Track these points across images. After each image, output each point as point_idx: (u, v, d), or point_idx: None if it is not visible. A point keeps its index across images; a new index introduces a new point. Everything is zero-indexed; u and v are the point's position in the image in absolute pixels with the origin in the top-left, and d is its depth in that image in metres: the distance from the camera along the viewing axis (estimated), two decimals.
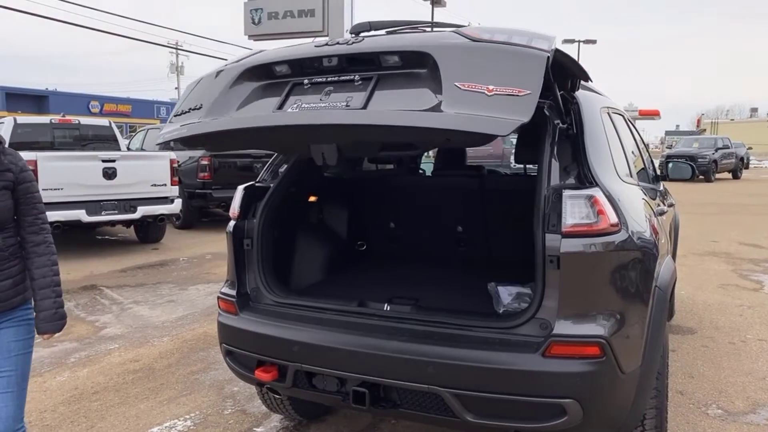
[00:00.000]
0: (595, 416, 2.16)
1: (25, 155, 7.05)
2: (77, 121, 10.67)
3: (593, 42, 36.95)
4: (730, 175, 25.91)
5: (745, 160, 28.58)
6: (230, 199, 3.07)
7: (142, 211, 8.43)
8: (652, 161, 4.39)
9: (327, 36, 11.16)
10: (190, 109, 2.46)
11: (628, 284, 2.28)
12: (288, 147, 2.97)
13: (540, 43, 1.98)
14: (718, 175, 24.37)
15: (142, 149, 11.59)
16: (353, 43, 2.27)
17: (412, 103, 2.01)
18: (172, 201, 8.80)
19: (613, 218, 2.20)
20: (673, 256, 4.12)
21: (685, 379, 4.01)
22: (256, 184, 3.09)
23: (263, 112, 2.27)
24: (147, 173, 8.57)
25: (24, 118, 10.95)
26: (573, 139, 2.44)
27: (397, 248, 4.04)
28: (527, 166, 3.69)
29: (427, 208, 3.87)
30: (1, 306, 2.19)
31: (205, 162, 10.29)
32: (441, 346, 2.28)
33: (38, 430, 3.34)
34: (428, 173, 4.59)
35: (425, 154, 5.74)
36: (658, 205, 3.42)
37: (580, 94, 2.67)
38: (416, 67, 2.11)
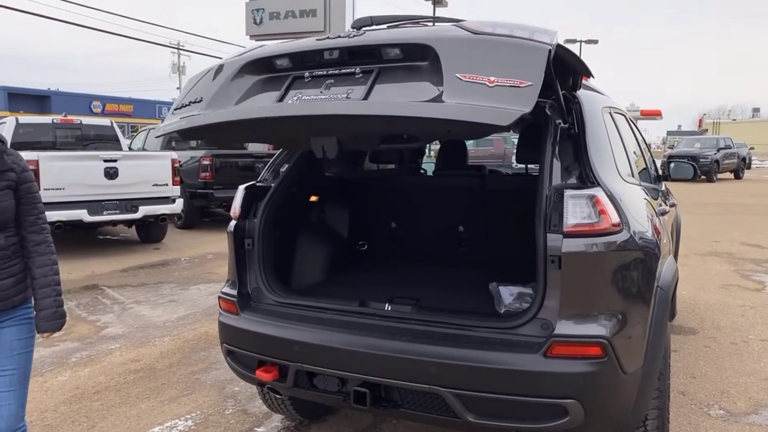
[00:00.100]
0: (596, 417, 2.16)
1: (27, 155, 7.16)
2: (79, 121, 10.70)
3: (595, 42, 36.92)
4: (732, 176, 25.87)
5: (747, 161, 28.54)
6: (231, 198, 3.07)
7: (143, 210, 8.43)
8: (653, 161, 4.38)
9: None
10: (190, 102, 2.46)
11: (630, 284, 2.27)
12: (288, 140, 2.96)
13: (542, 37, 1.97)
14: (720, 176, 24.33)
15: (143, 149, 11.60)
16: (354, 36, 2.27)
17: (413, 95, 2.01)
18: (173, 201, 8.80)
19: (615, 218, 2.19)
20: (675, 256, 4.11)
21: (687, 379, 4.00)
22: (257, 184, 3.09)
23: (263, 105, 2.27)
24: (148, 173, 8.57)
25: (26, 118, 10.98)
26: (575, 139, 2.44)
27: (398, 248, 4.03)
28: (529, 166, 3.68)
29: (429, 208, 3.86)
30: (3, 305, 2.20)
31: (206, 162, 10.30)
32: (442, 346, 2.28)
33: (39, 429, 3.34)
34: (429, 173, 4.59)
35: (426, 154, 5.75)
36: (660, 205, 3.41)
37: (582, 93, 2.66)
38: (417, 59, 2.10)
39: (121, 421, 3.44)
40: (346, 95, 2.09)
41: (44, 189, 7.35)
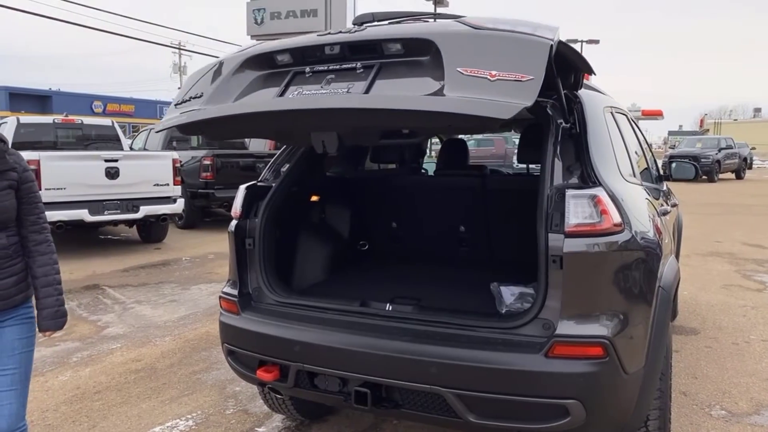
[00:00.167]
0: (598, 417, 2.15)
1: (29, 155, 7.17)
2: (80, 121, 10.71)
3: (596, 42, 36.87)
4: (733, 176, 25.85)
5: (748, 161, 28.52)
6: (233, 198, 3.06)
7: (144, 210, 8.43)
8: (655, 161, 4.38)
9: None
10: (190, 97, 2.46)
11: (632, 284, 2.27)
12: (288, 135, 2.95)
13: (543, 32, 1.97)
14: (721, 176, 24.30)
15: (144, 149, 11.61)
16: (356, 32, 2.27)
17: (414, 90, 2.01)
18: (174, 201, 8.80)
19: (617, 218, 2.18)
20: (677, 256, 4.11)
21: (689, 379, 3.99)
22: (258, 184, 3.09)
23: (264, 99, 2.27)
24: (149, 173, 8.57)
25: (27, 118, 10.99)
26: (576, 139, 2.43)
27: (399, 248, 4.03)
28: (530, 165, 3.68)
29: (430, 208, 3.86)
30: (4, 304, 2.21)
31: (207, 162, 10.30)
32: (443, 347, 2.27)
33: (40, 429, 3.34)
34: (430, 173, 4.58)
35: (427, 153, 5.74)
36: (662, 204, 3.40)
37: (584, 93, 2.66)
38: (418, 54, 2.10)
39: (122, 420, 3.44)
40: (346, 90, 2.09)
41: (45, 189, 7.36)
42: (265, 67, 2.40)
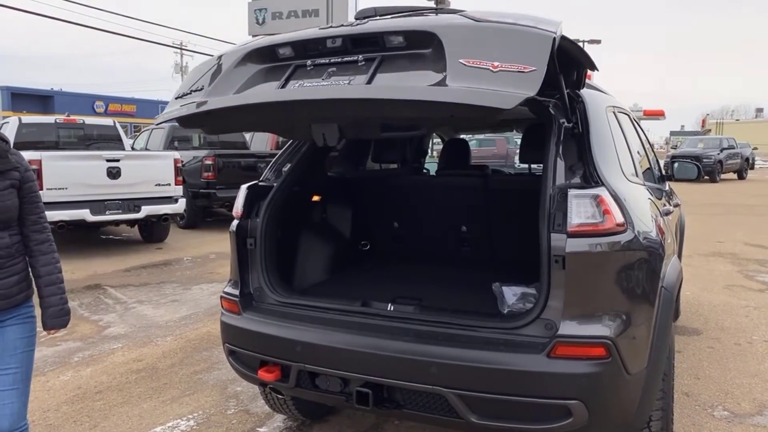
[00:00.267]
0: (600, 418, 2.14)
1: (30, 155, 7.18)
2: (82, 121, 10.72)
3: (598, 42, 36.82)
4: (735, 176, 25.81)
5: (750, 161, 28.48)
6: (234, 198, 3.06)
7: (146, 210, 8.44)
8: (657, 161, 4.36)
9: None
10: (191, 90, 2.45)
11: (634, 285, 2.26)
12: (289, 127, 2.94)
13: (546, 26, 1.96)
14: (723, 176, 24.27)
15: (146, 149, 11.62)
16: (357, 25, 2.26)
17: (415, 82, 2.00)
18: (176, 200, 8.80)
19: (619, 218, 2.18)
20: (679, 257, 4.10)
21: (691, 380, 3.98)
22: (260, 184, 3.08)
23: (265, 91, 2.27)
24: (151, 173, 8.58)
25: (29, 118, 11.00)
26: (578, 139, 2.42)
27: (401, 248, 4.02)
28: (532, 165, 3.67)
29: (431, 208, 3.85)
30: (6, 303, 2.21)
31: (209, 162, 10.30)
32: (445, 347, 2.26)
33: (41, 429, 3.34)
34: (432, 173, 4.58)
35: (429, 153, 5.74)
36: (664, 205, 3.39)
37: (586, 92, 2.65)
38: (420, 47, 2.09)
39: (123, 420, 3.44)
40: (348, 82, 2.08)
41: (47, 189, 7.37)
42: (267, 60, 2.39)
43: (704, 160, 22.88)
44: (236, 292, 2.83)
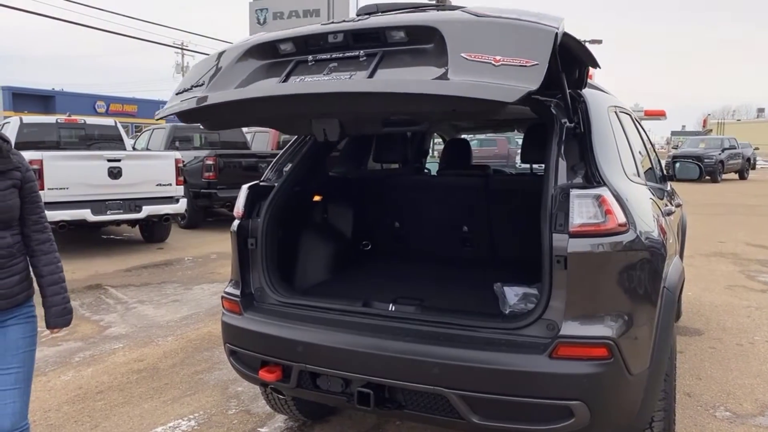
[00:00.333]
0: (602, 418, 2.14)
1: (31, 155, 7.18)
2: (83, 121, 10.71)
3: (599, 42, 36.79)
4: (736, 176, 25.79)
5: (751, 161, 28.45)
6: (235, 198, 3.06)
7: (147, 210, 8.44)
8: (659, 161, 4.36)
9: None
10: (192, 86, 2.45)
11: (636, 285, 2.25)
12: (289, 122, 2.94)
13: (549, 21, 1.96)
14: (724, 176, 24.25)
15: (147, 149, 11.62)
16: (359, 21, 2.26)
17: (417, 76, 2.00)
18: (177, 201, 8.80)
19: (621, 218, 2.17)
20: (681, 257, 4.09)
21: (693, 380, 3.97)
22: (261, 184, 3.08)
23: (265, 85, 2.27)
24: (152, 173, 8.58)
25: (30, 118, 11.01)
26: (580, 138, 2.42)
27: (402, 248, 4.02)
28: (533, 165, 3.66)
29: (433, 208, 3.85)
30: (8, 303, 2.22)
31: (210, 162, 10.30)
32: (446, 347, 2.26)
33: (42, 429, 3.34)
34: (433, 173, 4.57)
35: (430, 153, 5.73)
36: (666, 205, 3.39)
37: (588, 92, 2.64)
38: (422, 42, 2.09)
39: (124, 420, 3.44)
40: (349, 77, 2.08)
41: (48, 188, 7.37)
42: (268, 56, 2.39)
43: (706, 161, 22.88)
44: (237, 292, 2.83)
